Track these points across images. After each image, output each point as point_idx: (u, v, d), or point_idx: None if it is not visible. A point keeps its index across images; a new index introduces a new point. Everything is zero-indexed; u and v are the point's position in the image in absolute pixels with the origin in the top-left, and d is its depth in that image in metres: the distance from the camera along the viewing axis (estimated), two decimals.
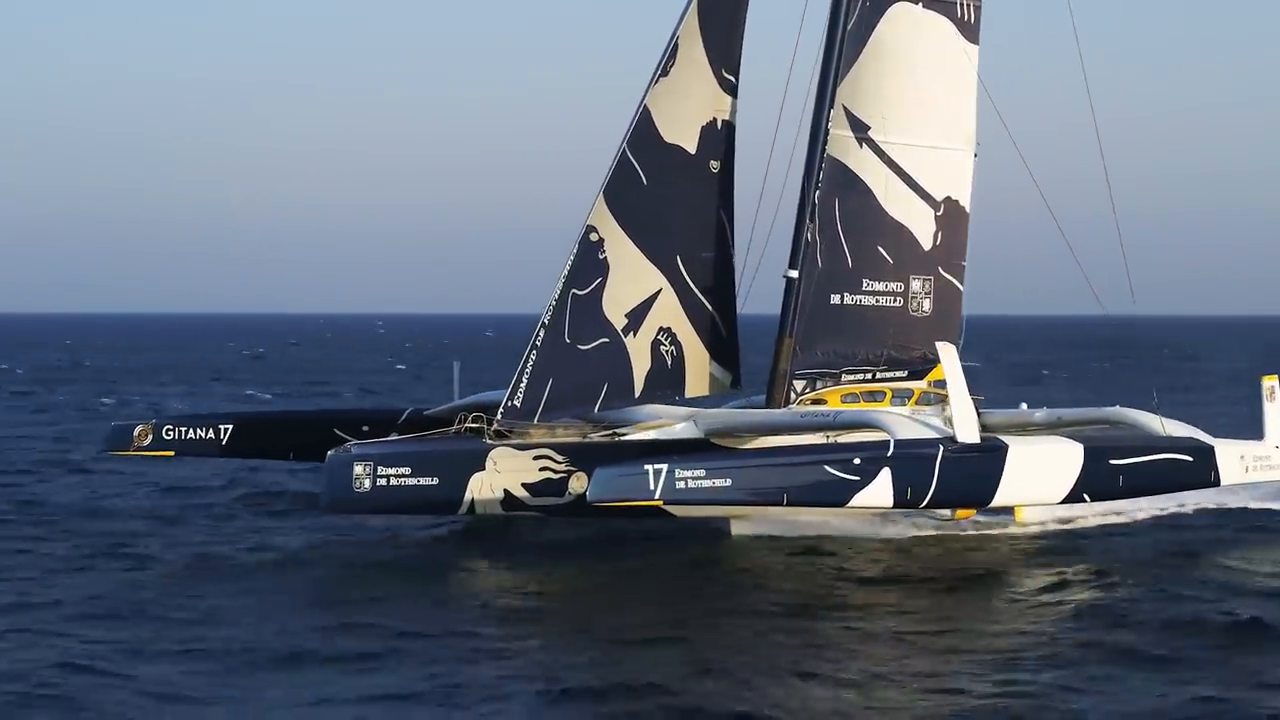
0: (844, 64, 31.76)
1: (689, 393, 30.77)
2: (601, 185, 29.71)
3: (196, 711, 18.56)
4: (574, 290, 29.39)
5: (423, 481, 28.71)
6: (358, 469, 28.36)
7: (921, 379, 32.29)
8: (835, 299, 31.98)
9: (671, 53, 29.99)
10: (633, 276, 29.92)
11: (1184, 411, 32.99)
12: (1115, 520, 31.66)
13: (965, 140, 32.81)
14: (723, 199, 30.72)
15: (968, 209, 32.98)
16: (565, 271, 29.40)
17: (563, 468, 29.31)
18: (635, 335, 29.96)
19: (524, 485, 29.21)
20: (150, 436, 31.70)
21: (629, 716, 18.24)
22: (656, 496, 25.93)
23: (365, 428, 31.88)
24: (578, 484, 28.86)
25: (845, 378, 31.99)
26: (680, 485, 26.00)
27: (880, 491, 27.11)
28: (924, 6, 32.38)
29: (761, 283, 31.43)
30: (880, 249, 32.32)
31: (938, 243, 32.75)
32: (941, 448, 27.72)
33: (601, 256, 29.64)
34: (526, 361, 28.92)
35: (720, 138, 30.55)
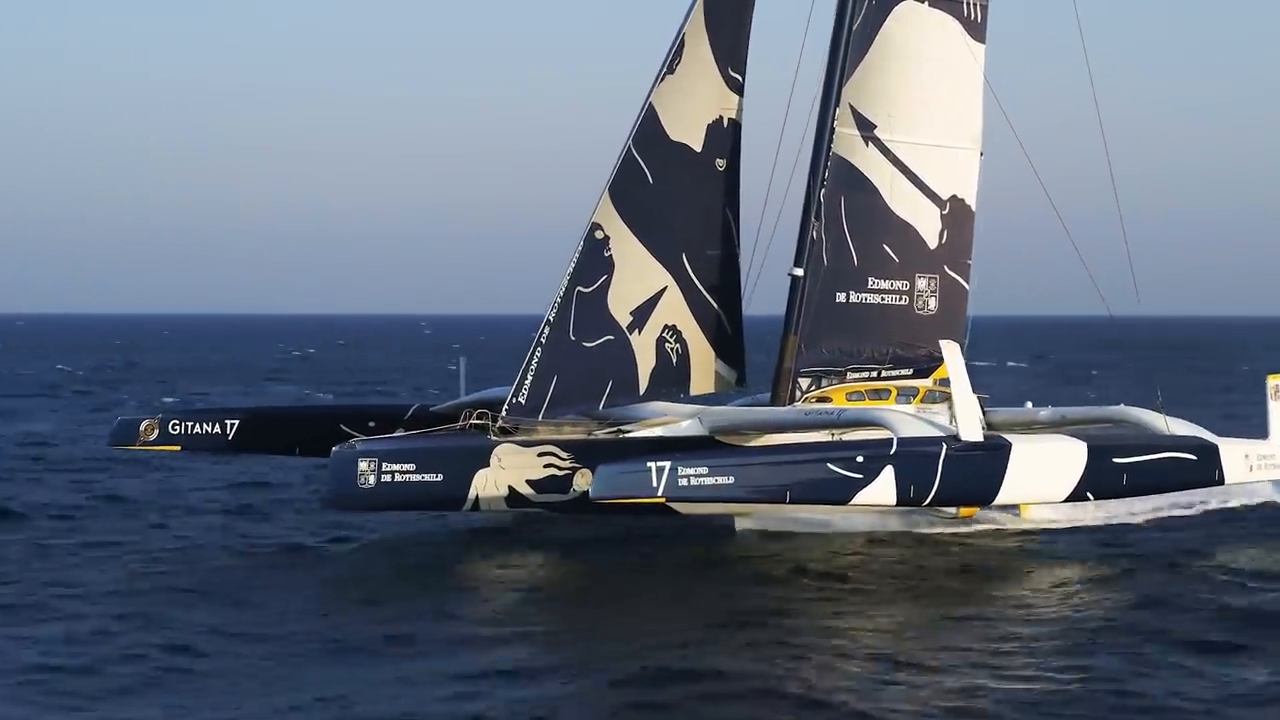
0: (850, 62, 31.75)
1: (694, 390, 30.79)
2: (607, 183, 29.73)
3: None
4: (579, 287, 29.43)
5: (427, 478, 28.76)
6: (363, 465, 28.43)
7: (927, 377, 32.31)
8: (841, 297, 31.97)
9: (678, 50, 30.01)
10: (638, 274, 29.95)
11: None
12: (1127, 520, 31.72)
13: (971, 139, 32.78)
14: (728, 197, 30.72)
15: (973, 208, 32.98)
16: (570, 269, 29.46)
17: (567, 464, 29.35)
18: (640, 333, 30.00)
19: (528, 482, 29.28)
20: (156, 431, 31.74)
21: (651, 707, 18.30)
22: (659, 494, 26.00)
23: (371, 423, 31.86)
24: (582, 481, 28.89)
25: (850, 376, 31.97)
26: (683, 483, 26.07)
27: (883, 489, 27.17)
28: (930, 5, 32.33)
29: (767, 281, 31.50)
30: (886, 247, 32.31)
31: (943, 241, 32.73)
32: (945, 446, 27.77)
33: (607, 254, 29.68)
34: (531, 358, 28.97)
35: (726, 136, 30.56)
